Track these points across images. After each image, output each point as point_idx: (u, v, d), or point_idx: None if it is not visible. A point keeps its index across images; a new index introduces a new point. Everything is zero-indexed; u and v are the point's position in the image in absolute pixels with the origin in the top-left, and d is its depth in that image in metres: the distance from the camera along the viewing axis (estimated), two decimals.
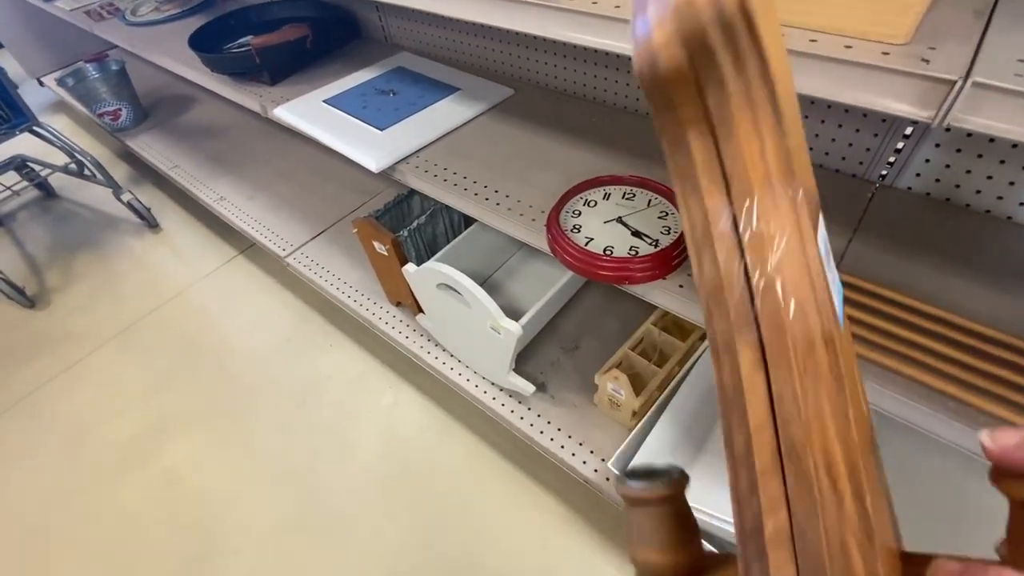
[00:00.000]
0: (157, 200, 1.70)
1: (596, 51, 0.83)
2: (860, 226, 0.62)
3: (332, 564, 0.88)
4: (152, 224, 1.59)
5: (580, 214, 0.64)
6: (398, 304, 1.05)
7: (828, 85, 0.37)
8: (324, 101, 0.92)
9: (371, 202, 1.31)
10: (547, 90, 0.93)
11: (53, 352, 1.29)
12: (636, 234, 0.61)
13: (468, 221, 0.98)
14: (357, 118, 0.86)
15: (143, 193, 1.72)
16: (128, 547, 0.94)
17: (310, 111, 0.90)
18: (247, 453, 1.05)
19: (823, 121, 0.68)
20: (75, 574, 0.92)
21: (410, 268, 0.82)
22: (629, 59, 0.80)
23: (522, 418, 0.85)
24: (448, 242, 0.97)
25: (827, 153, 0.69)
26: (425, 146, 0.82)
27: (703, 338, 0.83)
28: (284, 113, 0.91)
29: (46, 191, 1.79)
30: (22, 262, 1.55)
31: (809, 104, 0.68)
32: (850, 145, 0.68)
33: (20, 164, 1.66)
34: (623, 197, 0.66)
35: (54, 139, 1.48)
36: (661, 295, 0.57)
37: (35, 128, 1.46)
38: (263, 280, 1.40)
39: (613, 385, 0.76)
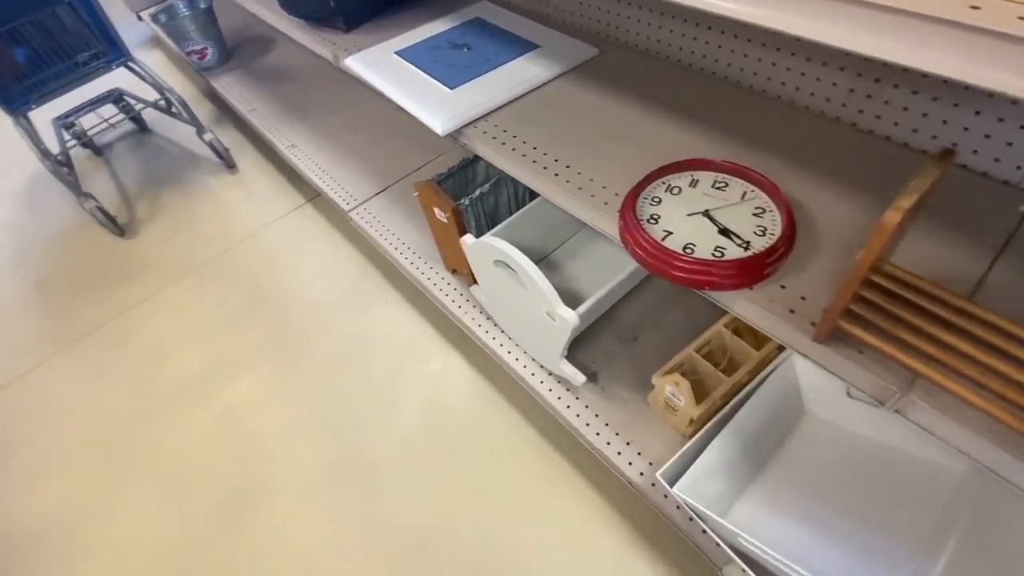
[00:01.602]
0: (236, 141, 1.75)
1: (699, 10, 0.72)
2: (1007, 247, 0.50)
3: (363, 521, 0.91)
4: (230, 165, 1.65)
5: (660, 202, 0.57)
6: (454, 271, 1.02)
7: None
8: (396, 53, 0.87)
9: (437, 160, 1.27)
10: (636, 51, 0.83)
11: (137, 281, 1.38)
12: (724, 232, 0.53)
13: (534, 193, 0.92)
14: (427, 74, 0.81)
15: (224, 133, 1.77)
16: (186, 473, 1.01)
17: (380, 63, 0.85)
18: (298, 400, 1.09)
19: (978, 112, 0.55)
20: (141, 490, 1.00)
21: (468, 240, 0.78)
22: (741, 22, 0.68)
23: (568, 407, 0.81)
24: (511, 213, 0.92)
25: (976, 151, 0.57)
26: (496, 109, 0.75)
27: (781, 347, 0.74)
28: (354, 64, 0.87)
29: (140, 125, 1.89)
30: (116, 192, 1.65)
31: (963, 90, 0.55)
32: (1009, 144, 0.55)
33: (118, 97, 1.75)
34: (713, 186, 0.57)
35: (145, 75, 1.53)
36: (745, 307, 0.50)
37: (129, 64, 1.52)
38: (327, 230, 1.41)
39: (672, 389, 0.70)
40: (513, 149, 0.69)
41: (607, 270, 0.87)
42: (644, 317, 0.89)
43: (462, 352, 1.10)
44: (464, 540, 0.87)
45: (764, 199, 0.55)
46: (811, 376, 0.72)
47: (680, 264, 0.50)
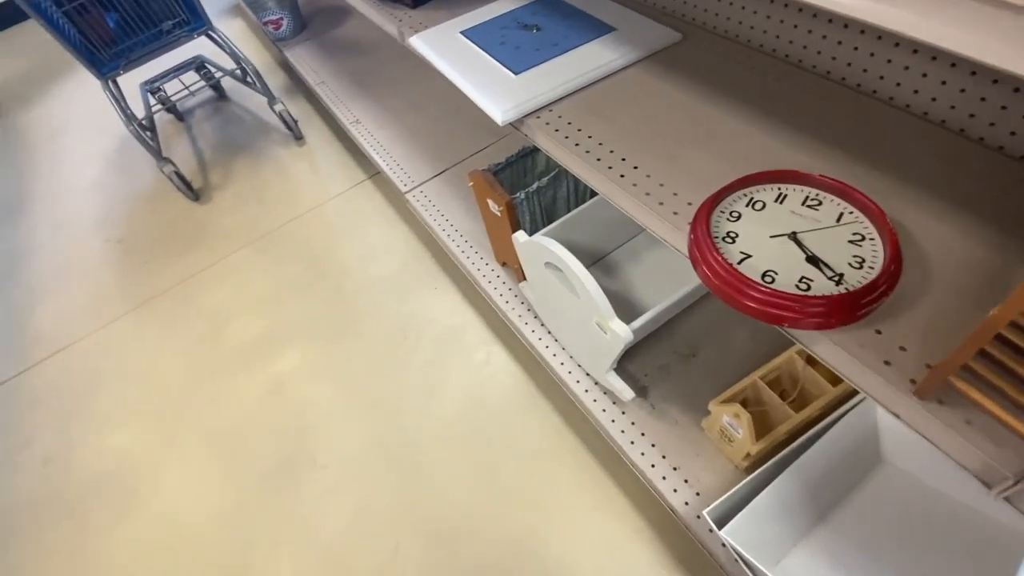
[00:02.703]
0: (305, 113, 1.78)
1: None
2: None
3: (397, 507, 0.91)
4: (298, 136, 1.68)
5: (739, 217, 0.50)
6: (503, 264, 0.99)
7: None
8: (461, 33, 0.83)
9: (499, 143, 1.23)
10: (724, 39, 0.74)
11: (205, 246, 1.44)
12: (813, 260, 0.46)
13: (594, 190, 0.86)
14: (492, 56, 0.76)
15: (294, 105, 1.81)
16: (234, 437, 1.06)
17: (445, 43, 0.81)
18: (344, 376, 1.10)
19: None
20: (192, 449, 1.06)
21: (520, 237, 0.74)
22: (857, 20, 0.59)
23: (614, 421, 0.76)
24: (567, 209, 0.87)
25: None
26: (562, 98, 0.70)
27: None
28: (419, 43, 0.83)
29: (219, 93, 1.96)
30: (193, 158, 1.73)
31: None
32: None
33: (200, 64, 1.82)
34: (804, 204, 0.50)
35: (223, 44, 1.58)
36: (830, 351, 0.43)
37: (210, 33, 1.57)
38: (385, 209, 1.41)
39: (730, 419, 0.64)
40: (576, 144, 0.64)
41: (668, 280, 0.81)
42: (705, 332, 0.82)
43: (506, 346, 1.08)
44: (493, 540, 0.85)
45: (865, 224, 0.47)
46: (893, 420, 0.63)
47: (755, 295, 0.44)
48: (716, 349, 0.81)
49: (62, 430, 1.14)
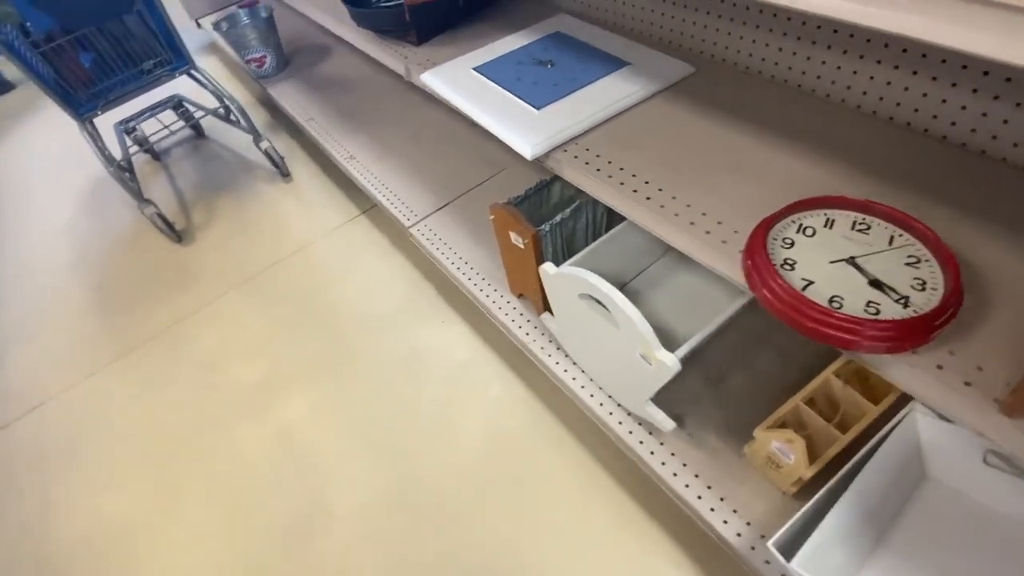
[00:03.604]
0: (289, 149, 1.75)
1: (817, 27, 0.66)
2: None
3: (422, 558, 0.86)
4: (284, 173, 1.64)
5: (792, 244, 0.50)
6: (519, 296, 0.97)
7: None
8: (474, 69, 0.83)
9: (499, 176, 1.23)
10: (736, 71, 0.76)
11: (192, 288, 1.38)
12: (876, 284, 0.46)
13: (611, 219, 0.87)
14: (511, 92, 0.76)
15: (277, 141, 1.78)
16: (241, 491, 0.99)
17: (459, 79, 0.81)
18: (354, 419, 1.05)
19: None
20: (194, 507, 0.98)
21: (549, 269, 0.73)
22: (868, 40, 0.62)
23: (653, 453, 0.74)
24: (587, 240, 0.86)
25: None
26: (587, 131, 0.70)
27: (903, 400, 0.67)
28: (431, 80, 0.83)
29: (197, 131, 1.91)
30: (173, 198, 1.67)
31: None
32: None
33: (177, 103, 1.77)
34: (853, 228, 0.51)
35: (207, 83, 1.54)
36: (906, 375, 0.43)
37: (192, 72, 1.53)
38: (381, 243, 1.39)
39: (780, 445, 0.63)
40: (610, 176, 0.64)
41: (692, 306, 0.81)
42: (732, 356, 0.82)
43: (522, 379, 1.05)
44: None
45: (918, 246, 0.48)
46: (937, 436, 0.64)
47: (830, 321, 0.44)
48: (743, 374, 0.81)
49: (41, 496, 1.04)
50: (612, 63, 0.79)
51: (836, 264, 0.48)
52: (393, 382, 1.10)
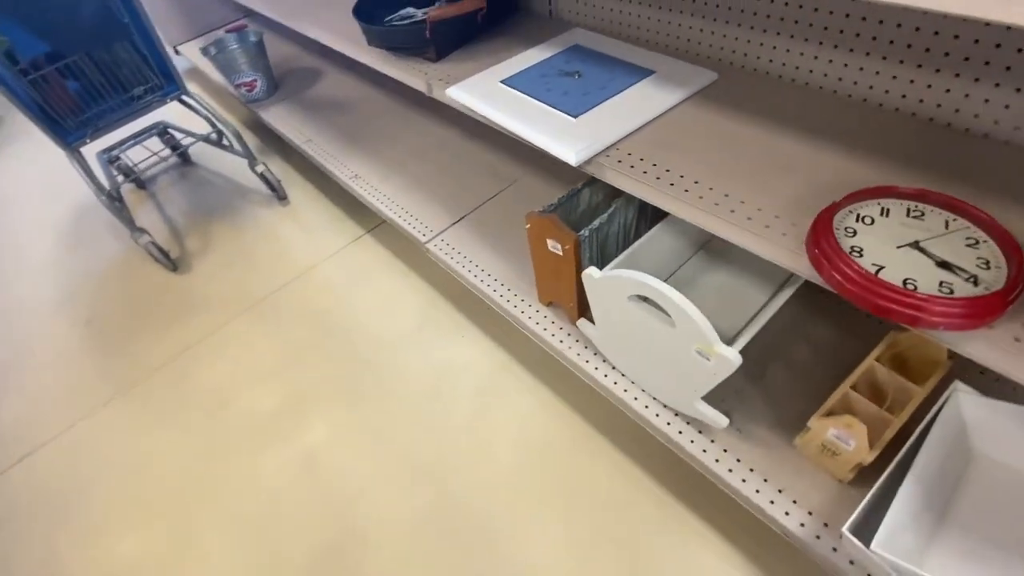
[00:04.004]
0: (283, 172, 1.73)
1: (840, 30, 0.69)
2: None
3: (473, 572, 0.84)
4: (281, 196, 1.61)
5: (856, 233, 0.52)
6: (549, 304, 0.98)
7: None
8: (502, 82, 0.84)
9: (509, 190, 1.24)
10: (758, 75, 0.80)
11: (195, 317, 1.33)
12: (943, 265, 0.48)
13: (641, 222, 0.88)
14: (544, 102, 0.78)
15: (270, 164, 1.75)
16: (267, 526, 0.94)
17: (489, 92, 0.82)
18: (382, 441, 1.02)
19: None
20: (217, 546, 0.93)
21: (593, 273, 0.73)
22: (891, 41, 0.66)
23: (705, 451, 0.75)
24: (619, 244, 0.88)
25: None
26: (625, 137, 0.72)
27: (944, 381, 0.69)
28: (459, 94, 0.84)
29: (183, 158, 1.86)
30: (164, 226, 1.62)
31: None
32: None
33: (162, 130, 1.73)
34: (908, 215, 0.53)
35: (199, 108, 1.51)
36: (984, 349, 0.45)
37: (183, 97, 1.50)
38: (390, 261, 1.37)
39: (838, 432, 0.65)
40: (658, 178, 0.65)
41: (729, 301, 0.83)
42: (768, 350, 0.84)
43: (552, 388, 1.05)
44: None
45: (973, 229, 0.51)
46: (980, 414, 0.67)
47: (911, 302, 0.45)
48: (782, 367, 0.83)
49: (45, 545, 0.97)
50: (638, 72, 0.81)
51: (902, 249, 0.50)
52: (418, 400, 1.08)
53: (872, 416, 0.67)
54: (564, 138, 0.71)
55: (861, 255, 0.50)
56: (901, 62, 0.66)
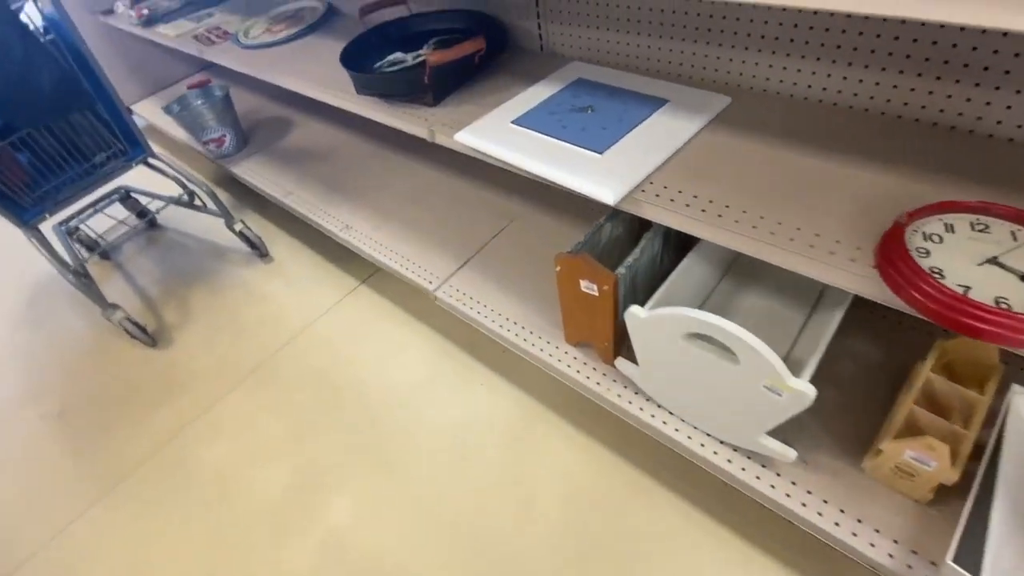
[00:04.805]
0: (261, 227, 1.64)
1: (853, 48, 0.70)
2: None
3: None
4: (263, 254, 1.53)
5: (929, 253, 0.51)
6: (577, 344, 0.93)
7: None
8: (512, 123, 0.81)
9: (511, 227, 1.20)
10: (769, 96, 0.80)
11: (184, 395, 1.22)
12: None
13: (665, 249, 0.86)
14: (564, 140, 0.75)
15: (247, 220, 1.66)
16: None
17: (502, 135, 0.79)
18: (415, 509, 0.95)
19: None
20: None
21: (638, 312, 0.70)
22: (907, 56, 0.66)
23: (773, 487, 0.71)
24: (649, 278, 0.85)
25: None
26: (655, 170, 0.70)
27: (1001, 388, 0.68)
28: (470, 138, 0.80)
29: (149, 221, 1.75)
30: (136, 297, 1.50)
31: None
32: None
33: (124, 195, 1.62)
34: (973, 229, 0.52)
35: (168, 170, 1.43)
36: None
37: (149, 160, 1.42)
38: (391, 311, 1.31)
39: (917, 454, 0.62)
40: (703, 210, 0.63)
41: (767, 325, 0.80)
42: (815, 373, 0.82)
43: (585, 431, 1.00)
44: None
45: None
46: None
47: (1011, 323, 0.44)
48: (831, 384, 0.81)
49: None
50: (650, 102, 0.80)
51: (983, 267, 0.49)
52: (445, 459, 1.01)
53: (944, 431, 0.65)
54: (596, 177, 0.68)
55: (943, 276, 0.49)
56: (919, 75, 0.67)
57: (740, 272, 0.90)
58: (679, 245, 0.87)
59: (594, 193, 0.67)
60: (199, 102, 1.60)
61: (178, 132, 1.78)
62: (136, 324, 1.32)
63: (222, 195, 1.82)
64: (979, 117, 0.66)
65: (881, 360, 0.82)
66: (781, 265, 0.57)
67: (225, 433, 1.13)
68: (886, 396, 0.78)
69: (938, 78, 0.66)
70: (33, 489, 1.11)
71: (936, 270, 0.49)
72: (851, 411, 0.78)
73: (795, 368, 0.62)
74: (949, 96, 0.66)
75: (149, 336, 1.35)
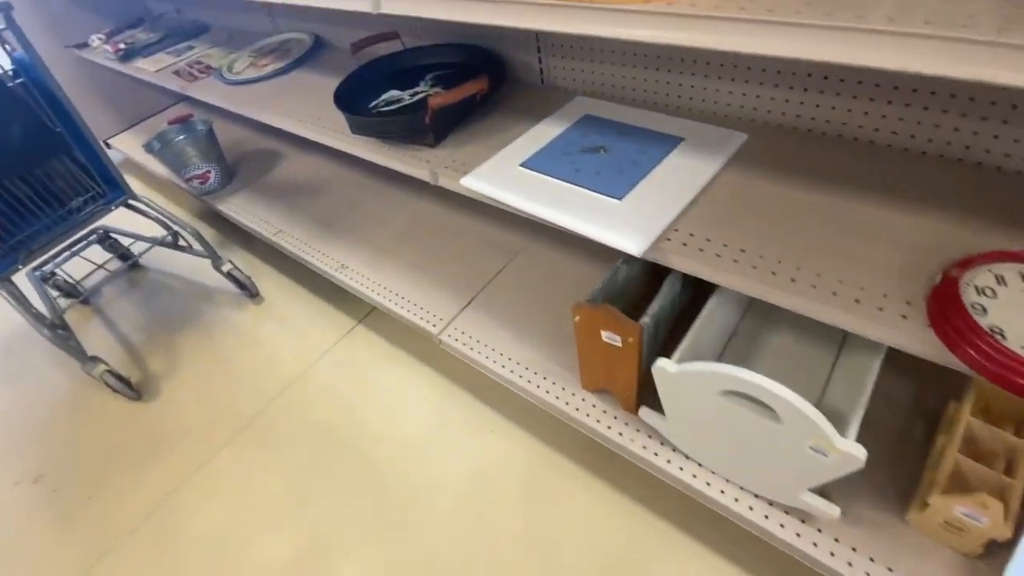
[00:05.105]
0: (250, 264, 1.58)
1: (876, 84, 0.68)
2: None
3: None
4: (253, 294, 1.46)
5: (986, 311, 0.48)
6: (595, 391, 0.89)
7: None
8: (521, 165, 0.78)
9: (515, 261, 1.16)
10: (784, 131, 0.77)
11: (173, 453, 1.15)
12: None
13: (683, 292, 0.83)
14: (580, 185, 0.71)
15: (232, 257, 1.59)
16: None
17: (512, 179, 0.75)
18: (432, 571, 0.89)
19: None
20: None
21: (667, 367, 0.66)
22: (933, 92, 0.64)
23: (816, 545, 0.68)
24: (669, 318, 0.81)
25: None
26: (678, 216, 0.66)
27: None
28: (478, 183, 0.76)
29: (130, 262, 1.67)
30: (119, 346, 1.42)
31: None
32: None
33: (103, 237, 1.55)
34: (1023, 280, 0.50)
35: (150, 211, 1.36)
36: None
37: (131, 202, 1.35)
38: (391, 352, 1.25)
39: (968, 510, 0.59)
40: (735, 260, 0.60)
41: (794, 365, 0.78)
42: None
43: (606, 479, 0.96)
44: None
45: None
46: None
47: None
48: (865, 429, 0.76)
49: None
50: (665, 141, 0.77)
51: None
52: (460, 514, 0.95)
53: (992, 484, 0.62)
54: (618, 226, 0.64)
55: (1004, 336, 0.46)
56: (944, 112, 0.65)
57: (761, 306, 0.87)
58: (696, 280, 0.84)
59: (619, 244, 0.63)
60: (181, 138, 1.54)
61: (160, 167, 1.72)
62: (119, 377, 1.24)
63: (207, 231, 1.75)
64: (1007, 154, 0.64)
65: (912, 396, 0.79)
66: (829, 322, 0.54)
67: (219, 496, 1.06)
68: (921, 436, 0.75)
69: (963, 115, 0.64)
70: (4, 570, 1.02)
71: (996, 329, 0.46)
72: (886, 453, 0.74)
73: (835, 419, 0.59)
74: (975, 133, 0.64)
75: (133, 389, 1.27)
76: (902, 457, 0.74)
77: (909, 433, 0.76)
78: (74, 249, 1.43)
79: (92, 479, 1.13)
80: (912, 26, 0.36)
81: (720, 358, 0.82)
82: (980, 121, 0.63)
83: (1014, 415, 0.68)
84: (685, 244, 0.63)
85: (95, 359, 1.23)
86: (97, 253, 1.54)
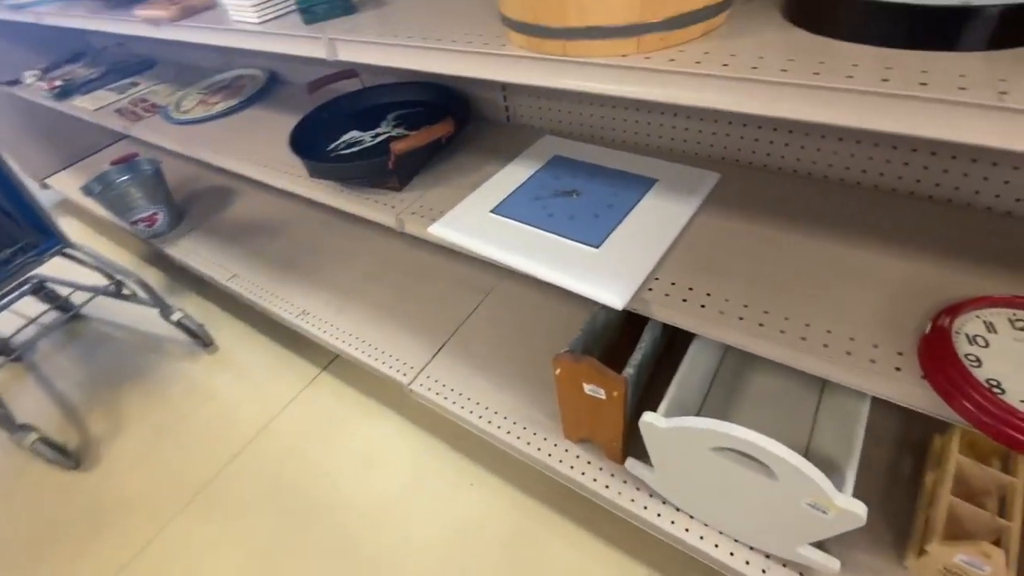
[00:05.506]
0: (203, 310, 1.48)
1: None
2: None
3: None
4: (207, 343, 1.37)
5: (980, 361, 0.47)
6: (578, 441, 0.85)
7: None
8: (492, 212, 0.74)
9: (488, 301, 1.12)
10: (755, 169, 0.77)
11: (115, 527, 1.04)
12: None
13: (663, 334, 0.80)
14: (554, 233, 0.68)
15: (185, 304, 1.50)
16: None
17: (483, 227, 0.72)
18: None
19: None
20: None
21: (656, 422, 0.63)
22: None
23: None
24: (651, 364, 0.79)
25: None
26: (658, 264, 0.64)
27: None
28: (447, 232, 0.72)
29: (69, 314, 1.54)
30: (55, 408, 1.30)
31: None
32: None
33: (38, 287, 1.43)
34: (1015, 327, 0.49)
35: (89, 260, 1.26)
36: None
37: (66, 251, 1.25)
38: (360, 401, 1.18)
39: (969, 559, 0.57)
40: (721, 312, 0.57)
41: (777, 407, 0.75)
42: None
43: (592, 530, 0.91)
44: None
45: None
46: None
47: None
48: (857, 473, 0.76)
49: None
50: (638, 183, 0.75)
51: None
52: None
53: (989, 527, 0.61)
54: (597, 278, 0.61)
55: (1003, 391, 0.44)
56: (914, 151, 0.65)
57: (737, 350, 0.85)
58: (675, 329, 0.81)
59: (600, 297, 0.60)
60: (125, 179, 1.44)
61: (101, 209, 1.61)
62: (53, 445, 1.12)
63: (156, 276, 1.64)
64: (977, 191, 0.64)
65: (895, 429, 0.78)
66: (824, 376, 0.52)
67: (177, 568, 0.95)
68: (910, 470, 0.74)
69: (933, 153, 0.64)
70: None
71: (994, 382, 0.45)
72: (876, 492, 0.73)
73: (827, 468, 0.57)
74: (946, 171, 0.65)
75: (70, 458, 1.15)
76: (893, 495, 0.72)
77: (897, 469, 0.75)
78: (3, 302, 1.31)
79: (25, 561, 1.01)
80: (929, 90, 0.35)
81: (703, 404, 0.79)
82: (950, 160, 0.64)
83: (1000, 449, 0.68)
84: (667, 295, 0.61)
85: (25, 427, 1.11)
86: (31, 305, 1.41)
